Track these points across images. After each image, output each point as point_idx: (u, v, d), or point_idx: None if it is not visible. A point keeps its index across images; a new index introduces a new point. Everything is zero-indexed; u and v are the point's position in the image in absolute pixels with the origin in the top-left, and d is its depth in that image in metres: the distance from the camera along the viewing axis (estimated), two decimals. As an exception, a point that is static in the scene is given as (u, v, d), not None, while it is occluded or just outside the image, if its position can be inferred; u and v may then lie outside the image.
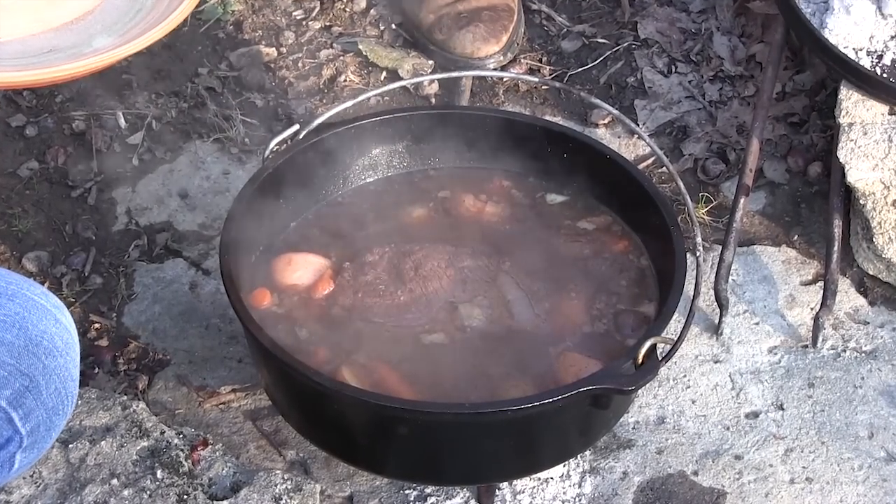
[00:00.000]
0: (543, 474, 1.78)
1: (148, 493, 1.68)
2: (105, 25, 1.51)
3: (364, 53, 2.42)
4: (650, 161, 2.27)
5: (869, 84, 2.07)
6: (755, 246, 2.14)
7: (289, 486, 1.71)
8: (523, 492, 1.77)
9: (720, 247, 2.06)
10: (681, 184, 1.81)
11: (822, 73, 2.33)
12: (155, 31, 1.47)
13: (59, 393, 1.35)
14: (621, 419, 1.82)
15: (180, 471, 1.72)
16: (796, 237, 2.16)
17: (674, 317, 1.68)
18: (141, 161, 2.27)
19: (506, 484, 1.77)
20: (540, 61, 2.44)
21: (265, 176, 1.82)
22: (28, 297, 1.36)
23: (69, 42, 1.49)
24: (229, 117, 2.32)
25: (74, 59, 1.42)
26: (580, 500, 1.77)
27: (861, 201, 2.05)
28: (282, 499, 1.70)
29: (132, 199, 2.21)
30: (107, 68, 1.48)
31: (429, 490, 1.77)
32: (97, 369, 1.93)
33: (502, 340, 1.75)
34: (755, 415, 1.90)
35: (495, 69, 2.37)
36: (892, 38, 2.10)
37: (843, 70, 2.09)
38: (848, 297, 2.06)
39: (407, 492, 1.78)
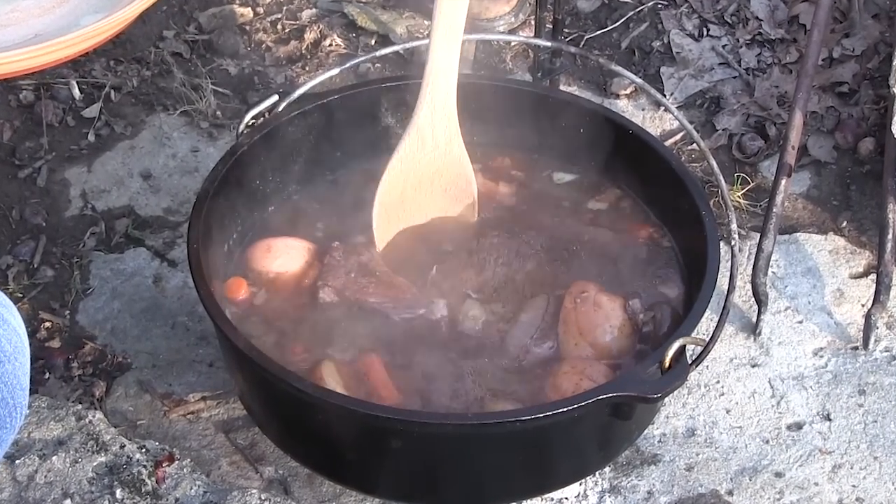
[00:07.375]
0: (557, 494, 1.78)
1: (106, 515, 1.69)
2: (91, 5, 1.58)
3: (351, 18, 2.41)
4: (678, 137, 2.27)
5: None
6: (798, 234, 2.14)
7: (266, 508, 1.72)
8: (534, 514, 1.78)
9: (758, 235, 2.06)
10: (713, 163, 1.80)
11: (874, 37, 2.32)
12: None
13: (6, 404, 1.34)
14: (645, 431, 1.82)
15: (143, 490, 1.72)
16: (845, 223, 2.16)
17: (705, 314, 1.68)
18: (98, 137, 2.27)
19: (514, 505, 1.78)
20: (553, 23, 2.44)
21: (240, 153, 1.82)
22: None
23: (55, 26, 1.55)
24: (198, 87, 2.32)
25: (61, 36, 1.48)
26: (599, 524, 1.78)
27: (919, 183, 2.06)
28: (258, 522, 1.71)
29: (88, 180, 2.21)
30: (99, 44, 1.54)
31: (426, 512, 1.78)
32: (48, 374, 1.93)
33: (510, 339, 1.75)
34: (798, 426, 1.90)
35: (503, 32, 2.36)
36: None
37: None
38: (904, 292, 2.06)
39: (401, 514, 1.78)
